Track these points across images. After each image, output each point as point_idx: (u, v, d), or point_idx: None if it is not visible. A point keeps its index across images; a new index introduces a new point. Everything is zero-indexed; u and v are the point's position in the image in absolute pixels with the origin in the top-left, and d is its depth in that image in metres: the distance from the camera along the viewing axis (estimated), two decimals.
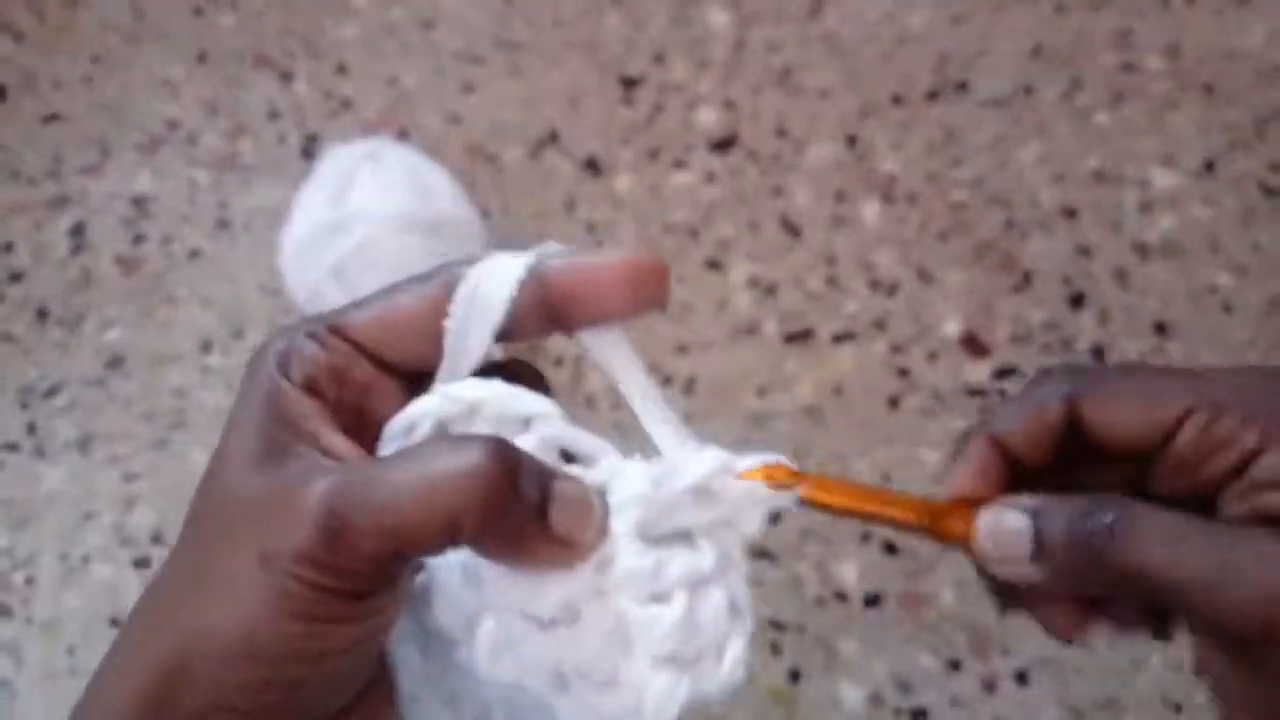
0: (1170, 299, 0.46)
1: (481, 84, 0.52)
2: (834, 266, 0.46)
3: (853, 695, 0.37)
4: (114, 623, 0.38)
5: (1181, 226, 0.48)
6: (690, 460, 0.13)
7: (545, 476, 0.12)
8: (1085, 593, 0.15)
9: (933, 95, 0.52)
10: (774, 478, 0.13)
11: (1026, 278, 0.47)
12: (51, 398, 0.43)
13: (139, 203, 0.48)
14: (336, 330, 0.14)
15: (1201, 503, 0.14)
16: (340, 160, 0.40)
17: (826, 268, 0.46)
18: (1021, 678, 0.37)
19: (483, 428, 0.13)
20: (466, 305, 0.13)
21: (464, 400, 0.13)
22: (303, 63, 0.52)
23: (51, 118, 0.51)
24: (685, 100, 0.51)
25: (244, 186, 0.49)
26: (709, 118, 0.51)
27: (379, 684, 0.14)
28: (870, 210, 0.48)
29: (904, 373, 0.44)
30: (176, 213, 0.48)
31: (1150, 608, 0.15)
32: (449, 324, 0.13)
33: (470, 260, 0.13)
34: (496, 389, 0.13)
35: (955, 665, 0.37)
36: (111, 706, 0.13)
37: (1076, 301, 0.46)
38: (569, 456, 0.13)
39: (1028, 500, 0.14)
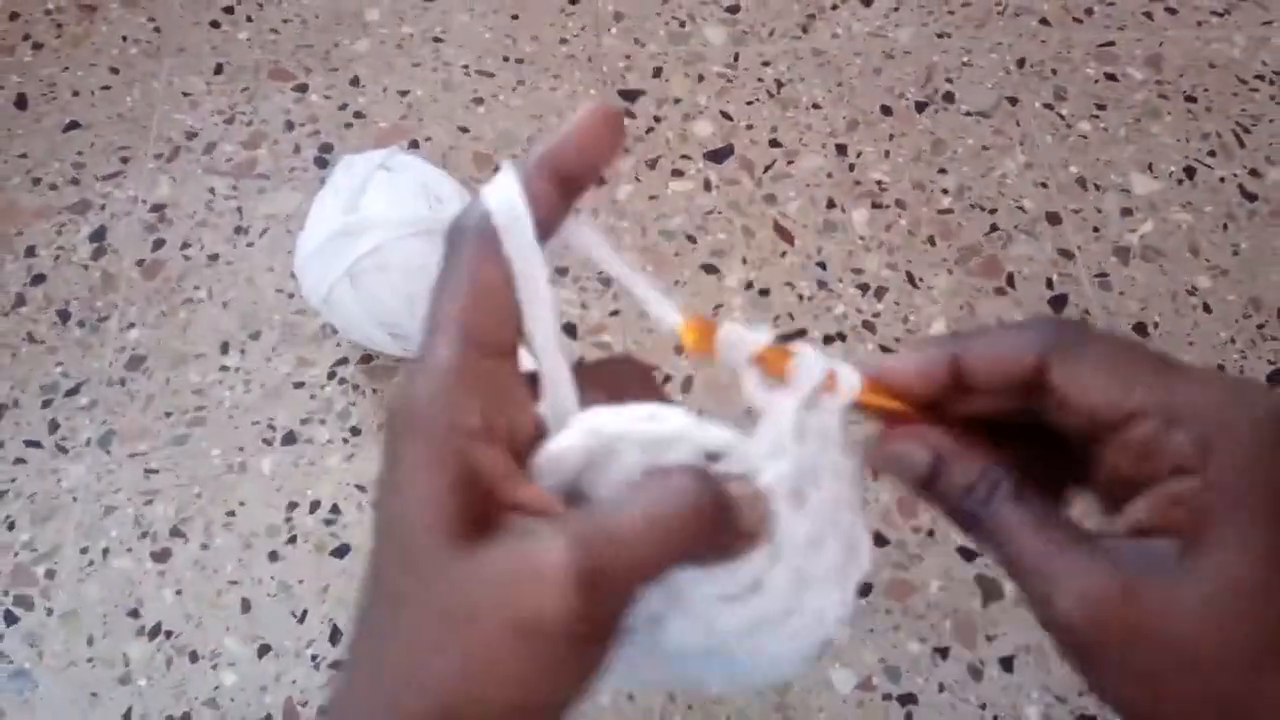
0: (1150, 300, 0.48)
1: (489, 97, 0.54)
2: (825, 270, 0.48)
3: (844, 681, 0.38)
4: (133, 614, 0.39)
5: (1162, 231, 0.50)
6: (780, 402, 0.14)
7: (726, 488, 0.13)
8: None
9: (920, 106, 0.53)
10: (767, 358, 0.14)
11: (1010, 280, 0.48)
12: (73, 396, 0.44)
13: (159, 209, 0.50)
14: (466, 344, 0.13)
15: (1111, 485, 0.14)
16: (354, 169, 0.41)
17: (818, 271, 0.48)
18: (1007, 664, 0.38)
19: (632, 453, 0.13)
20: (506, 234, 0.13)
21: (605, 433, 0.13)
22: (318, 75, 0.54)
23: (72, 126, 0.53)
24: (683, 112, 0.53)
25: (260, 194, 0.50)
26: (705, 129, 0.52)
27: None
28: (860, 216, 0.50)
29: None
30: (195, 218, 0.50)
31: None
32: (509, 255, 0.13)
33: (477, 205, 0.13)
34: (634, 417, 0.13)
35: (943, 652, 0.38)
36: None
37: (1059, 303, 0.48)
38: (711, 457, 0.14)
39: (942, 441, 0.14)
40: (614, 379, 0.14)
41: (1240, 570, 0.12)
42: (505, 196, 0.13)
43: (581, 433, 0.13)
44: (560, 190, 0.14)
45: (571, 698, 0.13)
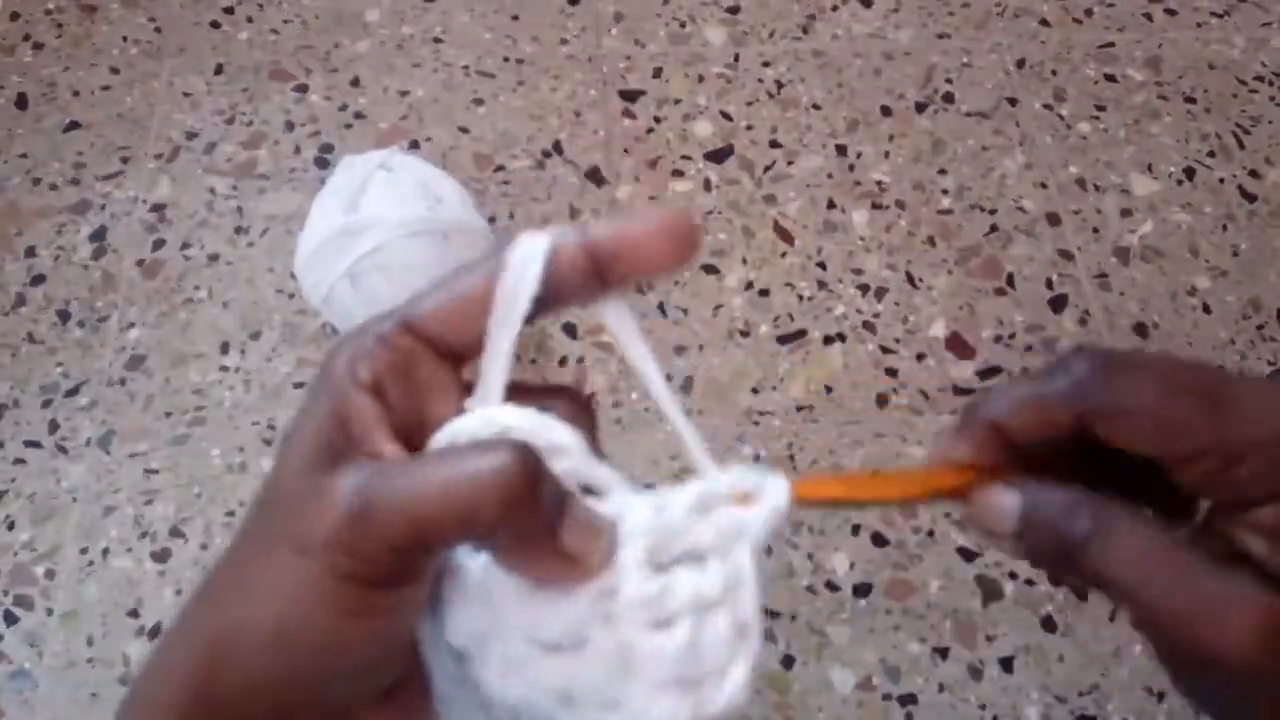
0: (1150, 301, 0.48)
1: (489, 97, 0.54)
2: (825, 271, 0.48)
3: (844, 681, 0.38)
4: (133, 614, 0.39)
5: (1161, 231, 0.50)
6: (688, 486, 0.13)
7: (562, 494, 0.12)
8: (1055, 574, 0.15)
9: (920, 107, 0.53)
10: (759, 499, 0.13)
11: (1010, 281, 0.48)
12: (73, 396, 0.44)
13: (159, 209, 0.50)
14: (404, 324, 0.13)
15: (1187, 504, 0.14)
16: (354, 169, 0.41)
17: (818, 272, 0.48)
18: (1006, 664, 0.38)
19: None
20: (512, 276, 0.13)
21: (499, 424, 0.13)
22: (318, 76, 0.54)
23: (72, 126, 0.53)
24: (683, 113, 0.53)
25: (260, 194, 0.50)
26: (705, 129, 0.53)
27: (413, 680, 0.14)
28: (860, 217, 0.50)
29: (892, 372, 0.45)
30: (195, 219, 0.50)
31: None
32: (496, 294, 0.13)
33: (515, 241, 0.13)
34: (530, 417, 0.13)
35: (942, 652, 0.38)
36: (155, 696, 0.13)
37: (1058, 304, 0.48)
38: (586, 490, 0.13)
39: (1022, 486, 0.14)
40: (546, 405, 0.14)
41: None
42: (532, 247, 0.13)
43: (478, 418, 0.13)
44: (596, 270, 0.13)
45: (332, 645, 0.12)
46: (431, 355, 0.14)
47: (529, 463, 0.12)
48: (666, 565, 0.13)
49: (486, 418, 0.13)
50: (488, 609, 0.13)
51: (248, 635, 0.12)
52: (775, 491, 0.13)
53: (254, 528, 0.13)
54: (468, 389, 0.14)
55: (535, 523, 0.12)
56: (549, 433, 0.13)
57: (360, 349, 0.13)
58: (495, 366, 0.13)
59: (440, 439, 0.13)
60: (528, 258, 0.13)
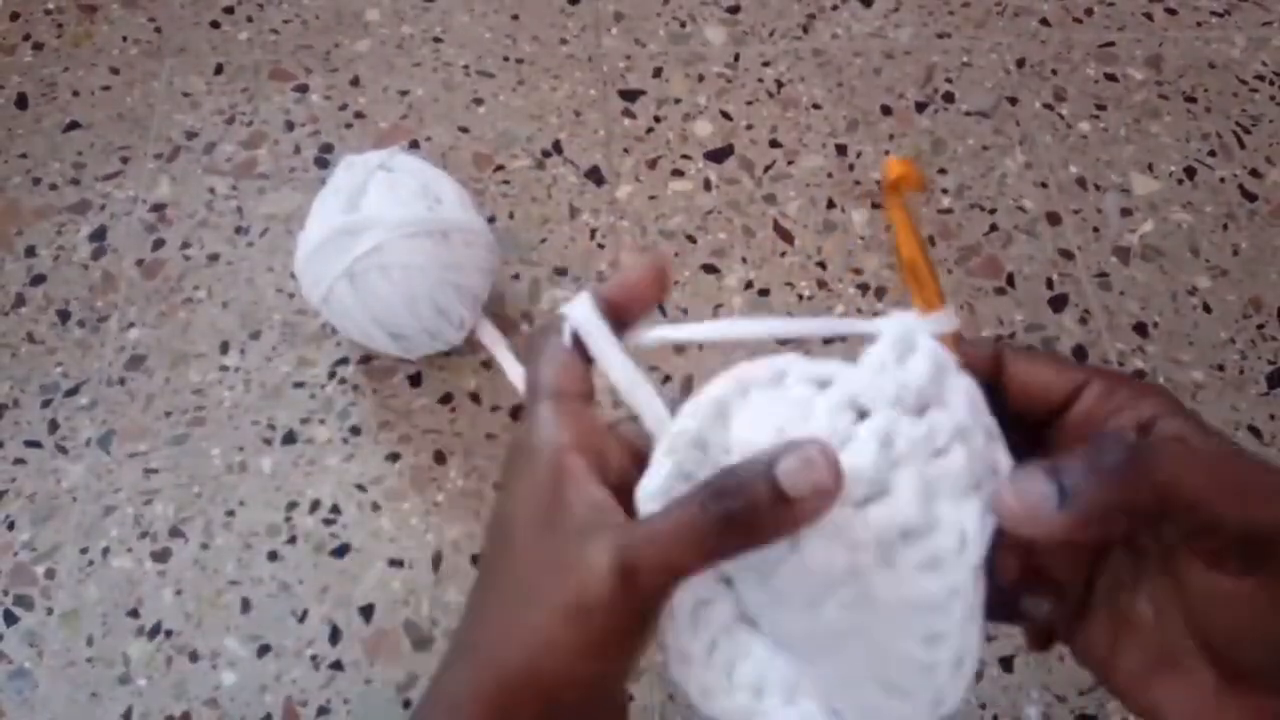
0: (1150, 301, 0.48)
1: (489, 97, 0.54)
2: (825, 270, 0.48)
3: None
4: (133, 614, 0.39)
5: (1162, 231, 0.50)
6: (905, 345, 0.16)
7: (760, 470, 0.15)
8: (1107, 534, 0.16)
9: (920, 106, 0.53)
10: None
11: (1010, 280, 0.48)
12: (73, 396, 0.44)
13: (159, 209, 0.50)
14: (558, 394, 0.17)
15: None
16: (355, 169, 0.41)
17: (818, 271, 0.48)
18: (1007, 664, 0.38)
19: (759, 397, 0.16)
20: (590, 332, 0.17)
21: (739, 381, 0.16)
22: (318, 76, 0.54)
23: (72, 126, 0.53)
24: (683, 112, 0.53)
25: (260, 194, 0.51)
26: (705, 129, 0.53)
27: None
28: (859, 217, 0.50)
29: None
30: (195, 218, 0.50)
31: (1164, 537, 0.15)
32: (597, 347, 0.17)
33: (560, 316, 0.18)
34: (756, 369, 0.16)
35: None
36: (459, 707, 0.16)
37: (1058, 303, 0.48)
38: (822, 384, 0.16)
39: (1040, 462, 0.15)
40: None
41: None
42: (585, 310, 0.17)
43: (721, 383, 0.16)
44: (615, 322, 0.18)
45: (614, 673, 0.16)
46: (575, 404, 0.17)
47: (707, 504, 0.15)
48: (919, 408, 0.15)
49: (728, 379, 0.16)
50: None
51: (525, 680, 0.15)
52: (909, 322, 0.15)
53: (504, 580, 0.16)
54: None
55: (758, 513, 0.15)
56: (777, 363, 0.16)
57: (548, 423, 0.17)
58: (641, 389, 0.17)
59: (653, 483, 0.16)
60: (590, 317, 0.17)
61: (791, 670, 0.16)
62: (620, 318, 0.18)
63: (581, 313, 0.17)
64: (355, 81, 0.54)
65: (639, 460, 0.17)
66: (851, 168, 0.51)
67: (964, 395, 0.15)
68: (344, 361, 0.45)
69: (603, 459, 0.17)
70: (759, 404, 0.16)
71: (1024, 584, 0.17)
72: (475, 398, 0.44)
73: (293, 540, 0.41)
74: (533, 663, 0.15)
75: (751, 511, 0.15)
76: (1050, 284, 0.48)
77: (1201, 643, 0.15)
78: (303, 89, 0.54)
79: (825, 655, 0.16)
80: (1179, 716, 0.16)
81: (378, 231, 0.39)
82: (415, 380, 0.45)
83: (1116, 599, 0.17)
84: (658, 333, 0.17)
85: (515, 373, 0.39)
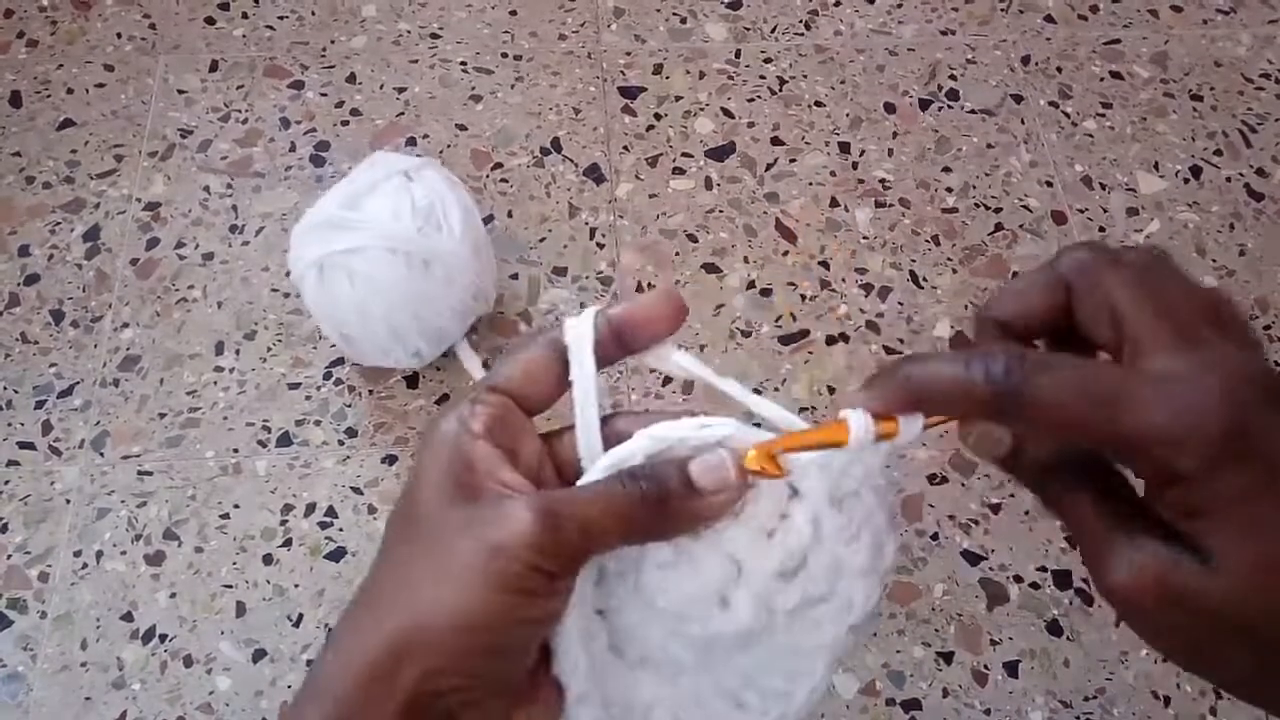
0: None
1: (487, 94, 0.53)
2: (827, 270, 0.48)
3: (847, 686, 0.38)
4: (127, 617, 0.39)
5: (1168, 230, 0.49)
6: (854, 453, 0.17)
7: (675, 463, 0.16)
8: (1054, 437, 0.17)
9: (924, 104, 0.53)
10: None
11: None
12: (67, 397, 0.44)
13: (153, 207, 0.50)
14: (490, 387, 0.18)
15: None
16: (376, 168, 0.40)
17: (820, 271, 0.48)
18: (1012, 669, 0.38)
19: (682, 452, 0.17)
20: (574, 350, 0.18)
21: (667, 439, 0.17)
22: (314, 73, 0.54)
23: (66, 124, 0.52)
24: (684, 110, 0.52)
25: (255, 192, 0.50)
26: (706, 126, 0.52)
27: (540, 682, 0.17)
28: (863, 215, 0.49)
29: None
30: (189, 217, 0.49)
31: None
32: (572, 362, 0.18)
33: (558, 324, 0.18)
34: (685, 427, 0.17)
35: (947, 657, 0.38)
36: (334, 682, 0.16)
37: None
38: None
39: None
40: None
41: (1270, 555, 0.14)
42: (580, 329, 0.18)
43: (646, 438, 0.17)
44: (620, 340, 0.18)
45: (508, 621, 0.15)
46: (515, 407, 0.18)
47: (648, 486, 0.16)
48: (841, 500, 0.18)
49: (652, 436, 0.17)
50: (729, 563, 0.17)
51: (436, 621, 0.15)
52: (907, 428, 0.17)
53: (415, 544, 0.16)
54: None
55: (672, 500, 0.16)
56: (710, 431, 0.17)
57: (466, 410, 0.17)
58: (588, 412, 0.18)
59: (618, 454, 0.17)
60: (581, 336, 0.17)
61: (649, 691, 0.18)
62: (624, 341, 0.18)
63: (577, 331, 0.18)
64: (352, 78, 0.54)
65: (564, 474, 0.18)
66: (855, 166, 0.51)
67: (874, 495, 0.18)
68: (339, 362, 0.45)
69: (514, 456, 0.17)
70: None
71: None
72: None
73: (288, 543, 0.40)
74: (448, 598, 0.15)
75: (663, 493, 0.16)
76: None
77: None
78: (298, 86, 0.53)
79: (685, 674, 0.18)
80: None
81: (360, 236, 0.38)
82: (412, 381, 0.44)
83: None
84: (666, 359, 0.18)
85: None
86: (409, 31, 0.55)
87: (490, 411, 0.17)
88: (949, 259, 0.48)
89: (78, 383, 0.44)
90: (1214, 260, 0.49)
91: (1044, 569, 0.40)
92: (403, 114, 0.52)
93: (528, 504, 0.16)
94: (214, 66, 0.54)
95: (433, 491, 0.16)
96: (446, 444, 0.17)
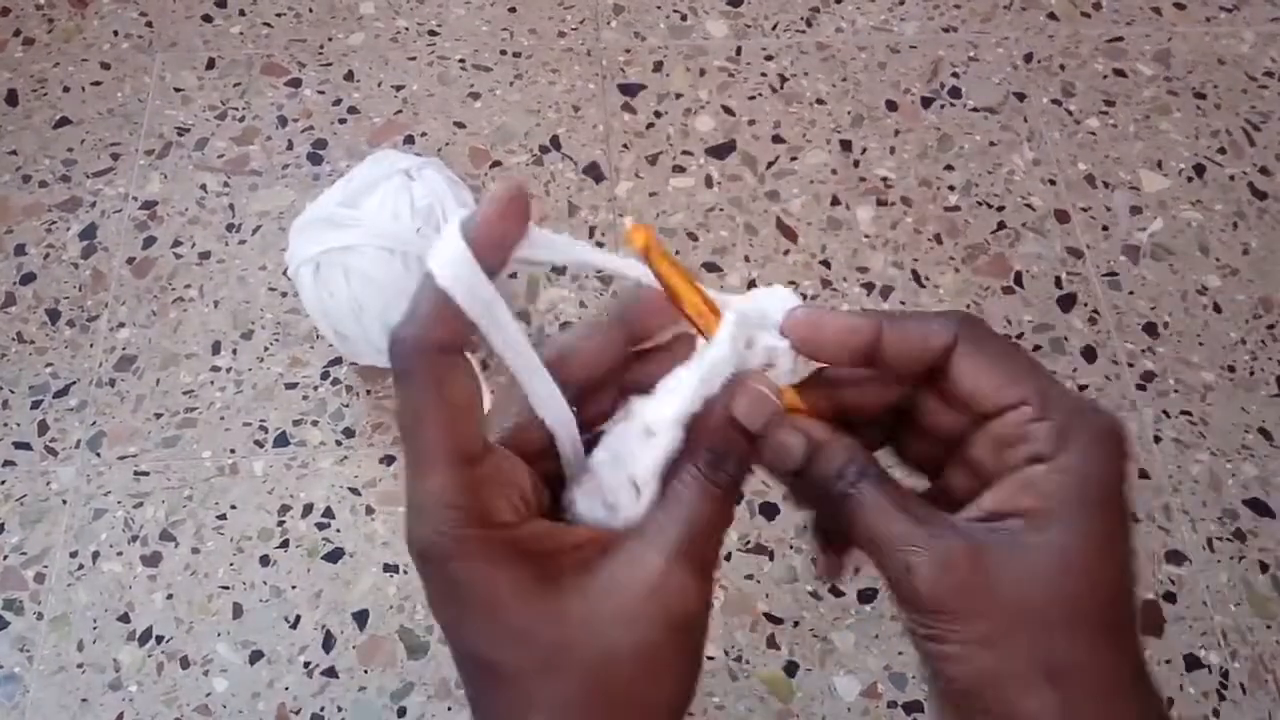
0: (1160, 300, 0.47)
1: (486, 91, 0.53)
2: (829, 269, 0.47)
3: (848, 688, 0.37)
4: (123, 619, 0.38)
5: (1171, 229, 0.49)
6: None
7: (725, 418, 0.15)
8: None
9: (925, 102, 0.53)
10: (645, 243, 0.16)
11: (1018, 279, 0.48)
12: (63, 397, 0.43)
13: (149, 206, 0.49)
14: (453, 462, 0.15)
15: (963, 481, 0.16)
16: (379, 165, 0.40)
17: (822, 270, 0.47)
18: None
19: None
20: (457, 287, 0.14)
21: (747, 316, 0.16)
22: (311, 70, 0.53)
23: (63, 122, 0.52)
24: (684, 107, 0.52)
25: (252, 190, 0.50)
26: (707, 124, 0.52)
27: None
28: (864, 214, 0.49)
29: None
30: (186, 216, 0.49)
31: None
32: (457, 296, 0.14)
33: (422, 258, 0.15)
34: (758, 297, 0.16)
35: None
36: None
37: (1067, 302, 0.47)
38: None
39: (815, 430, 0.16)
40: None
41: (1073, 546, 0.14)
42: (449, 255, 0.14)
43: (732, 324, 0.15)
44: (495, 257, 0.15)
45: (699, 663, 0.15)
46: (476, 466, 0.15)
47: (714, 485, 0.15)
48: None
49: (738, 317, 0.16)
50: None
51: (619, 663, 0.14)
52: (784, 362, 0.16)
53: (545, 674, 0.14)
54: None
55: (741, 449, 0.16)
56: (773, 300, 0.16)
57: (455, 515, 0.14)
58: (528, 369, 0.15)
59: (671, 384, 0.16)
60: (455, 258, 0.14)
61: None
62: (495, 250, 0.15)
63: (448, 259, 0.14)
64: (349, 76, 0.53)
65: (528, 437, 0.16)
66: (856, 164, 0.50)
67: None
68: (337, 362, 0.44)
69: (530, 497, 0.15)
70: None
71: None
72: None
73: (285, 544, 0.40)
74: (634, 693, 0.14)
75: (743, 467, 0.15)
76: (1059, 283, 0.47)
77: None
78: (296, 84, 0.53)
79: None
80: None
81: (357, 233, 0.38)
82: None
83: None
84: (528, 252, 0.15)
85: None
86: (407, 29, 0.55)
87: (484, 489, 0.14)
88: (951, 258, 0.48)
89: (74, 383, 0.44)
90: (1217, 259, 0.48)
91: None
92: (401, 112, 0.52)
93: (660, 559, 0.14)
94: (211, 64, 0.54)
95: (505, 595, 0.14)
96: (480, 565, 0.14)
